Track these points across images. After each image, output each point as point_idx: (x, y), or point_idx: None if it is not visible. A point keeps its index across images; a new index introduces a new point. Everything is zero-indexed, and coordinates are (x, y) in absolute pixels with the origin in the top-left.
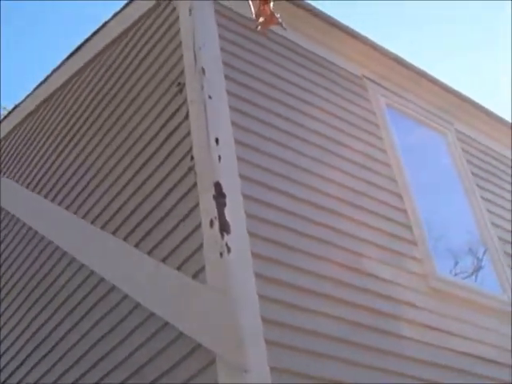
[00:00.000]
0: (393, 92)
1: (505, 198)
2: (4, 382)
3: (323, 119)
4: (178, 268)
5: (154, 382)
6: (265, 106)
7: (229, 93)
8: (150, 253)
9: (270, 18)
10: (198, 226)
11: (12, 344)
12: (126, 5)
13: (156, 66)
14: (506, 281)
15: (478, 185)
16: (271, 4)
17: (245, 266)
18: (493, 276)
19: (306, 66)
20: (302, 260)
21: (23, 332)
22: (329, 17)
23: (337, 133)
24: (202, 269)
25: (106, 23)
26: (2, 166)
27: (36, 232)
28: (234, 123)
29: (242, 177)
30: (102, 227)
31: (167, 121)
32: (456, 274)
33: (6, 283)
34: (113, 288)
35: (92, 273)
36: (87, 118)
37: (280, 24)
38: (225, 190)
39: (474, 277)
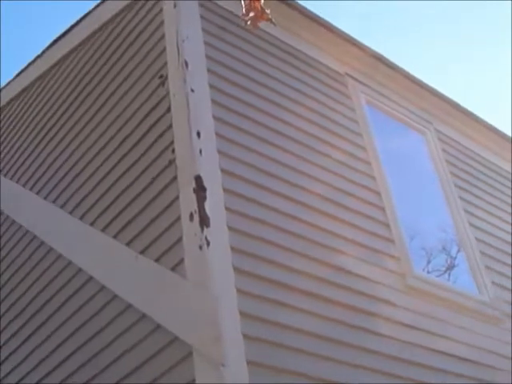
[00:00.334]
0: (374, 90)
1: (483, 199)
2: None
3: (305, 115)
4: (157, 260)
5: (130, 374)
6: (247, 100)
7: (211, 86)
8: (128, 244)
9: (260, 14)
10: (178, 219)
11: None
12: None
13: (139, 58)
14: (481, 280)
15: (456, 185)
16: (261, 0)
17: (224, 259)
18: (467, 275)
19: (288, 62)
20: (281, 255)
21: None
22: (312, 13)
23: (318, 129)
24: (181, 261)
25: (89, 12)
26: None
27: (13, 221)
28: (215, 117)
29: (223, 171)
30: (81, 217)
31: (149, 113)
32: (429, 272)
33: None
34: (90, 279)
35: (69, 263)
36: (67, 108)
37: (270, 20)
38: (205, 184)
39: (447, 275)
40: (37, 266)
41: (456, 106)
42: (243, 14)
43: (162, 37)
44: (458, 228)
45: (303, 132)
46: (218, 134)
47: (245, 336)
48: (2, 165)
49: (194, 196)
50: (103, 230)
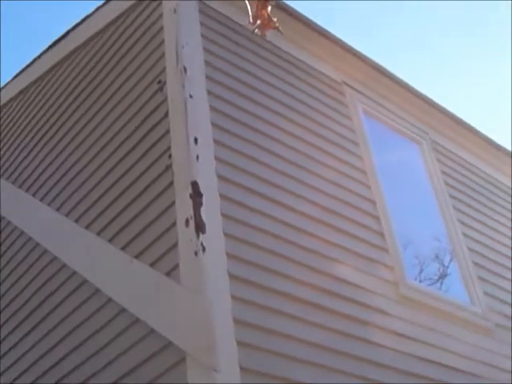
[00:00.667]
0: (371, 99)
1: (477, 210)
2: None
3: (302, 123)
4: (152, 265)
5: (122, 378)
6: (245, 107)
7: (209, 93)
8: (124, 248)
9: (268, 22)
10: (174, 225)
11: None
12: None
13: (137, 63)
14: (473, 291)
15: (450, 195)
16: (269, 8)
17: (219, 266)
18: (459, 285)
19: (286, 70)
20: (276, 263)
21: None
22: (311, 21)
23: (315, 137)
24: (176, 267)
25: (88, 16)
26: None
27: (9, 222)
28: (213, 123)
29: (220, 177)
30: (77, 220)
31: (147, 118)
32: (422, 281)
33: None
34: (85, 282)
35: (64, 266)
36: (64, 111)
37: (277, 28)
38: (202, 190)
39: (440, 284)
40: (31, 268)
41: (452, 117)
42: (250, 23)
43: (162, 42)
44: (451, 238)
45: (300, 140)
46: (215, 140)
47: (238, 342)
48: None
49: (190, 202)
50: (99, 233)
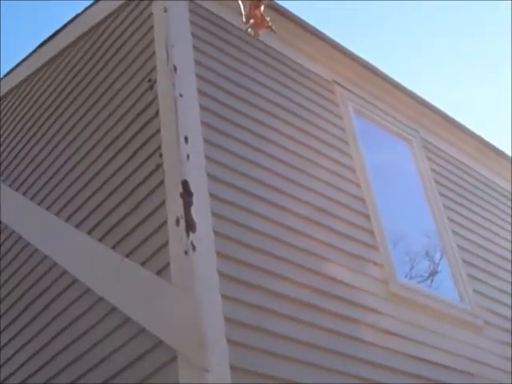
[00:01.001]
0: (361, 98)
1: (467, 208)
2: None
3: (292, 122)
4: (143, 264)
5: (113, 377)
6: (235, 106)
7: (200, 92)
8: (114, 247)
9: (261, 22)
10: (164, 223)
11: None
12: None
13: (128, 61)
14: (463, 288)
15: (440, 193)
16: (262, 8)
17: (209, 265)
18: (449, 282)
19: (277, 68)
20: (267, 261)
21: None
22: (302, 21)
23: (305, 136)
24: (167, 266)
25: (79, 14)
26: None
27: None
28: (203, 122)
29: (210, 176)
30: (67, 219)
31: (137, 117)
32: (412, 278)
33: None
34: (75, 281)
35: (54, 264)
36: (55, 110)
37: (270, 27)
38: (192, 189)
39: (430, 281)
40: (22, 268)
41: (442, 116)
42: (243, 22)
43: (152, 41)
44: (441, 235)
45: (290, 139)
46: (205, 140)
47: (229, 341)
48: None
49: (180, 201)
50: (89, 232)
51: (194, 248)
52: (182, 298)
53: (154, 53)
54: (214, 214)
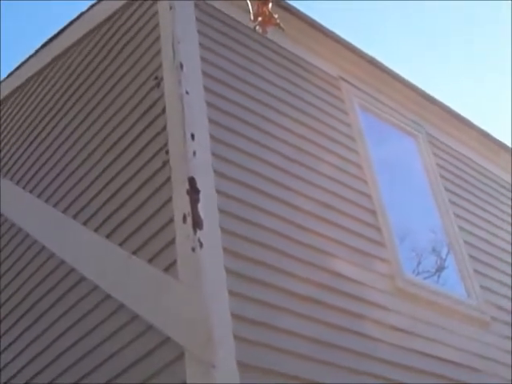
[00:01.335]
0: (367, 93)
1: (473, 203)
2: None
3: (299, 118)
4: (150, 261)
5: (121, 373)
6: (241, 103)
7: (206, 89)
8: (121, 244)
9: (269, 19)
10: (171, 221)
11: None
12: None
13: (134, 59)
14: (470, 284)
15: (446, 188)
16: (269, 5)
17: (216, 261)
18: (456, 278)
19: (283, 65)
20: (273, 258)
21: None
22: (307, 17)
23: (311, 132)
24: (174, 263)
25: (84, 12)
26: None
27: (6, 218)
28: (210, 119)
29: (217, 173)
30: (74, 217)
31: (143, 114)
32: (419, 273)
33: None
34: (83, 278)
35: (62, 262)
36: (61, 108)
37: (278, 25)
38: (199, 186)
39: (437, 277)
40: (29, 265)
41: (448, 111)
42: (251, 21)
43: (158, 38)
44: (447, 231)
45: (297, 135)
46: (212, 136)
47: (236, 337)
48: None
49: (187, 198)
50: (96, 229)
51: (201, 245)
52: (189, 295)
53: (159, 50)
54: (220, 211)
